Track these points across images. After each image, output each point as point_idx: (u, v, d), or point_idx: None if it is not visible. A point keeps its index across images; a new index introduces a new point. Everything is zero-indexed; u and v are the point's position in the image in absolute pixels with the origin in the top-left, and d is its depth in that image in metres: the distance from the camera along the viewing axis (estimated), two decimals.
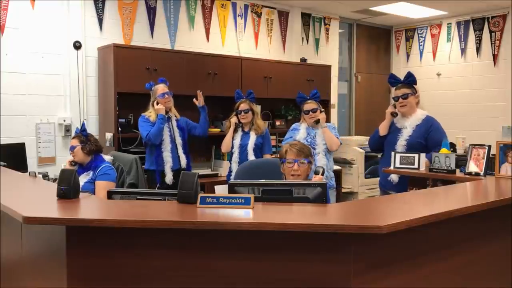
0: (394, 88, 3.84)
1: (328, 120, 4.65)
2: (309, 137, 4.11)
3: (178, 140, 4.32)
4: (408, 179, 3.58)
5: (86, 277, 1.98)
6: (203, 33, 5.96)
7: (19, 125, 4.74)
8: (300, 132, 4.15)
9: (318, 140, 4.08)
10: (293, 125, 4.31)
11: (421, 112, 3.77)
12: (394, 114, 3.77)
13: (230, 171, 4.46)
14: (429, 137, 3.66)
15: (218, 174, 5.53)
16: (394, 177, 3.66)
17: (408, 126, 3.72)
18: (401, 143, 3.70)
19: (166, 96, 4.24)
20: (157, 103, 4.22)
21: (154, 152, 4.25)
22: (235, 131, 4.42)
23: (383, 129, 3.84)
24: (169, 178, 4.23)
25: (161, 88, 4.27)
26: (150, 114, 4.25)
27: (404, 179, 3.60)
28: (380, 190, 4.02)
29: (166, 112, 4.25)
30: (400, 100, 3.73)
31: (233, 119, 4.44)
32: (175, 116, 4.37)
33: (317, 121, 4.10)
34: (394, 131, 3.79)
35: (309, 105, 4.14)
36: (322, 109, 4.23)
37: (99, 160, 3.51)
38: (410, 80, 3.77)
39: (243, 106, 4.41)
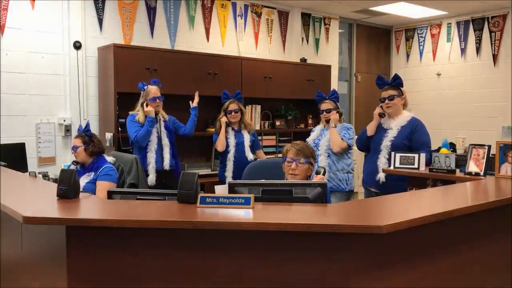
0: (382, 89, 3.88)
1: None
2: (318, 138, 4.12)
3: (165, 141, 4.29)
4: (408, 178, 3.58)
5: (86, 277, 1.98)
6: (203, 33, 5.96)
7: (19, 125, 4.74)
8: (313, 133, 4.23)
9: (322, 141, 4.07)
10: (314, 127, 4.37)
11: (407, 113, 3.82)
12: (382, 115, 3.83)
13: (224, 170, 4.54)
14: (412, 138, 3.71)
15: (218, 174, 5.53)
16: (381, 176, 3.68)
17: (394, 127, 3.76)
18: (385, 143, 3.74)
19: (157, 101, 4.23)
20: (147, 105, 4.21)
21: (142, 152, 4.25)
22: (226, 130, 4.52)
23: (370, 130, 3.90)
24: (151, 179, 4.18)
25: (153, 91, 4.24)
26: (139, 115, 4.22)
27: (390, 178, 3.62)
28: (364, 188, 4.04)
29: (156, 114, 4.23)
30: (386, 101, 3.79)
31: (224, 119, 4.53)
32: (163, 117, 4.36)
33: (328, 121, 4.08)
34: (380, 131, 3.84)
35: (325, 105, 4.15)
36: (339, 110, 4.18)
37: (101, 161, 3.49)
38: (396, 83, 3.84)
39: (233, 106, 4.53)
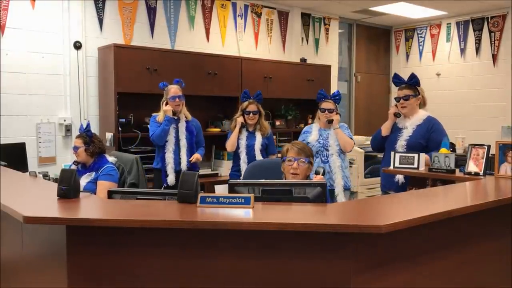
0: (397, 88, 3.83)
1: None
2: (321, 138, 4.07)
3: (183, 142, 4.27)
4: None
5: (87, 276, 1.98)
6: (203, 33, 5.97)
7: (19, 125, 4.74)
8: (312, 134, 4.12)
9: (331, 141, 4.03)
10: (305, 128, 4.30)
11: (423, 112, 3.76)
12: (397, 115, 3.76)
13: (235, 170, 4.49)
14: (430, 138, 3.65)
15: (218, 174, 5.54)
16: (400, 178, 3.64)
17: (409, 126, 3.70)
18: (401, 143, 3.69)
19: (177, 99, 4.22)
20: (167, 104, 4.22)
21: (160, 151, 4.28)
22: (240, 131, 4.45)
23: (385, 130, 3.84)
24: (170, 179, 4.21)
25: (173, 90, 4.24)
26: (159, 115, 4.25)
27: (407, 179, 3.59)
28: (382, 191, 3.99)
29: (174, 114, 4.23)
30: (402, 101, 3.73)
31: (240, 119, 4.46)
32: (186, 117, 4.33)
33: (330, 121, 4.05)
34: (395, 131, 3.78)
35: (327, 104, 4.10)
36: (338, 112, 4.17)
37: (103, 161, 3.49)
38: (413, 82, 3.76)
39: (252, 107, 4.45)
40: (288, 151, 2.93)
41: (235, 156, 4.51)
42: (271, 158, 4.52)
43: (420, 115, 3.73)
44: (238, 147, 4.45)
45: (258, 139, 4.45)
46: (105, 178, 3.39)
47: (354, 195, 6.33)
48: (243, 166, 4.38)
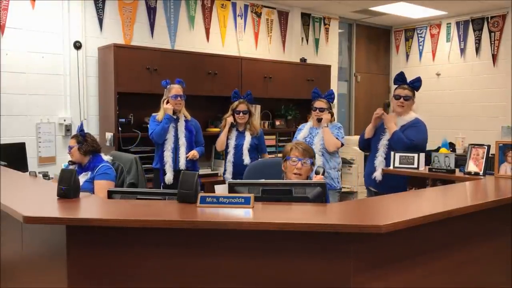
0: (399, 86, 3.83)
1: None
2: (309, 136, 4.10)
3: (182, 141, 4.28)
4: (405, 177, 3.59)
5: (87, 276, 1.98)
6: (203, 33, 5.97)
7: (19, 125, 4.74)
8: (302, 132, 4.18)
9: (316, 140, 4.05)
10: (300, 126, 4.34)
11: (413, 114, 3.81)
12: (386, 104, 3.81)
13: (224, 170, 4.55)
14: (404, 132, 3.68)
15: (218, 173, 5.54)
16: (377, 175, 3.70)
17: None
18: (383, 142, 3.75)
19: (178, 98, 4.24)
20: (167, 102, 4.23)
21: (159, 150, 4.29)
22: (229, 130, 4.47)
23: (368, 132, 3.92)
24: (168, 177, 4.23)
25: (175, 89, 4.26)
26: (159, 114, 4.26)
27: (388, 177, 3.62)
28: (365, 188, 4.09)
29: (174, 113, 4.24)
30: (402, 100, 3.75)
31: (230, 119, 4.48)
32: (185, 116, 4.35)
33: (320, 120, 4.07)
34: (380, 130, 3.84)
35: (319, 103, 4.12)
36: (331, 111, 4.17)
37: (98, 160, 3.51)
38: (415, 85, 3.81)
39: (242, 107, 4.46)
40: (292, 151, 2.93)
41: (226, 156, 4.55)
42: (264, 157, 4.55)
43: (407, 117, 3.78)
44: (227, 147, 4.48)
45: (247, 139, 4.46)
46: (101, 177, 3.40)
47: (354, 195, 6.34)
48: (229, 165, 4.44)
